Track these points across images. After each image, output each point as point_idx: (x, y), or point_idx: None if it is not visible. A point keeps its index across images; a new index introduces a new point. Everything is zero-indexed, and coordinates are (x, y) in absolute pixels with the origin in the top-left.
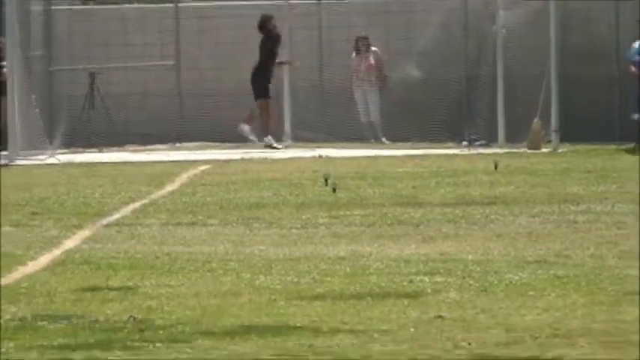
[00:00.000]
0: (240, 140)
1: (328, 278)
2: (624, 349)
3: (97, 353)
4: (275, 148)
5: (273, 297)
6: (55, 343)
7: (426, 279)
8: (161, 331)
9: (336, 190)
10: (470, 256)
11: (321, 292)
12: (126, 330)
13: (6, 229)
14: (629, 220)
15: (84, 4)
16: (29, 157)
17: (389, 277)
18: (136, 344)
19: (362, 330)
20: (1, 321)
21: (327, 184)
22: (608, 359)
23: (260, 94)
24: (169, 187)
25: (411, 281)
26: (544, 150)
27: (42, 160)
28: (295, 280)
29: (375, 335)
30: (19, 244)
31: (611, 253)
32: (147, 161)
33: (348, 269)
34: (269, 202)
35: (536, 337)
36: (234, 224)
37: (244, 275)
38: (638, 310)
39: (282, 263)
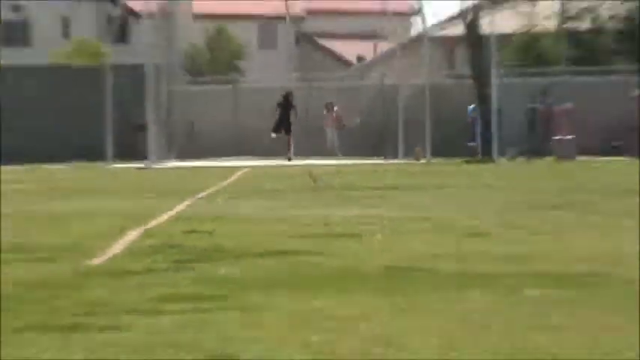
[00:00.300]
0: (266, 155)
1: (311, 227)
2: (467, 264)
3: (194, 264)
4: (290, 160)
5: (281, 236)
6: (170, 259)
7: (364, 227)
8: (224, 253)
9: (317, 181)
10: (386, 215)
11: (306, 233)
12: (208, 252)
13: (151, 201)
14: (467, 195)
15: (186, 84)
16: (159, 164)
17: (344, 227)
18: (213, 260)
19: (329, 254)
20: (143, 247)
21: (310, 177)
22: (455, 269)
23: (288, 132)
24: (229, 180)
25: (356, 229)
26: (423, 161)
27: (165, 165)
28: (293, 227)
29: (335, 256)
30: (155, 209)
31: (458, 212)
32: (217, 166)
33: (322, 222)
34: (280, 188)
35: (418, 257)
36: (262, 199)
37: (267, 226)
38: (474, 244)
39: (286, 219)
